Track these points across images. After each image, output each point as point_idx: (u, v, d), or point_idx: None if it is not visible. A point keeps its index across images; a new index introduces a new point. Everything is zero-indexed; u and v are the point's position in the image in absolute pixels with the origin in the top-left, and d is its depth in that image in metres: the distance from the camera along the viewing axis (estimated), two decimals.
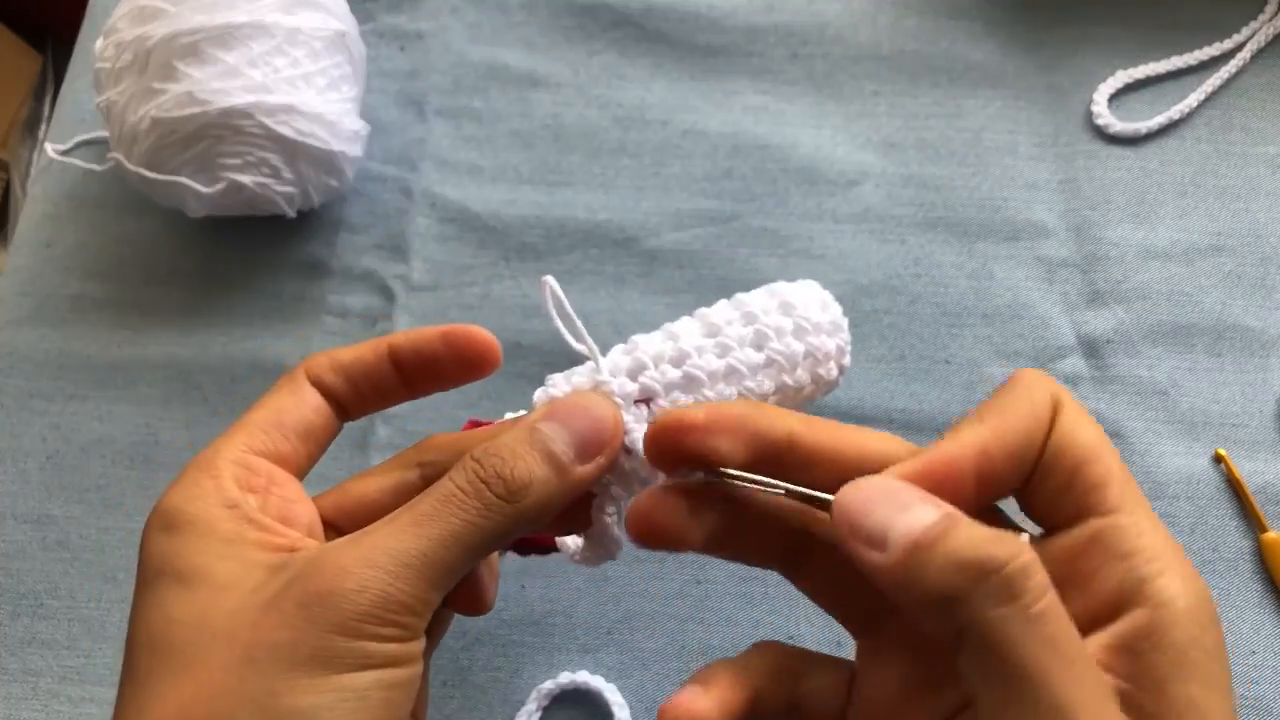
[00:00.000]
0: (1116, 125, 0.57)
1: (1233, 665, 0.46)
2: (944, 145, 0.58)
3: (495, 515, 0.25)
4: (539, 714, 0.46)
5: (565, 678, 0.46)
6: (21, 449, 0.52)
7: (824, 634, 0.47)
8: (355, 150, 0.53)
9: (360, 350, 0.32)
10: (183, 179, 0.49)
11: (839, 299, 0.53)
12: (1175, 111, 0.57)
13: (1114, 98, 0.58)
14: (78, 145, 0.59)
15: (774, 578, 0.49)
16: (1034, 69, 0.59)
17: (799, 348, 0.31)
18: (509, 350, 0.53)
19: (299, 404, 0.31)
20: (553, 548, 0.42)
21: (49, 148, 0.57)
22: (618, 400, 0.29)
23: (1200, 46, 0.59)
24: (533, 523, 0.26)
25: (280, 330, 0.54)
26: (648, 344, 0.31)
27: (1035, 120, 0.58)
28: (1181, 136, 0.58)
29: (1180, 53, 0.59)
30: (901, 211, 0.56)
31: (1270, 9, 0.59)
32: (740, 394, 0.30)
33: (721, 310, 0.32)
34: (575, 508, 0.29)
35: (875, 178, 0.57)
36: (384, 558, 0.24)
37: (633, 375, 0.30)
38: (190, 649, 0.24)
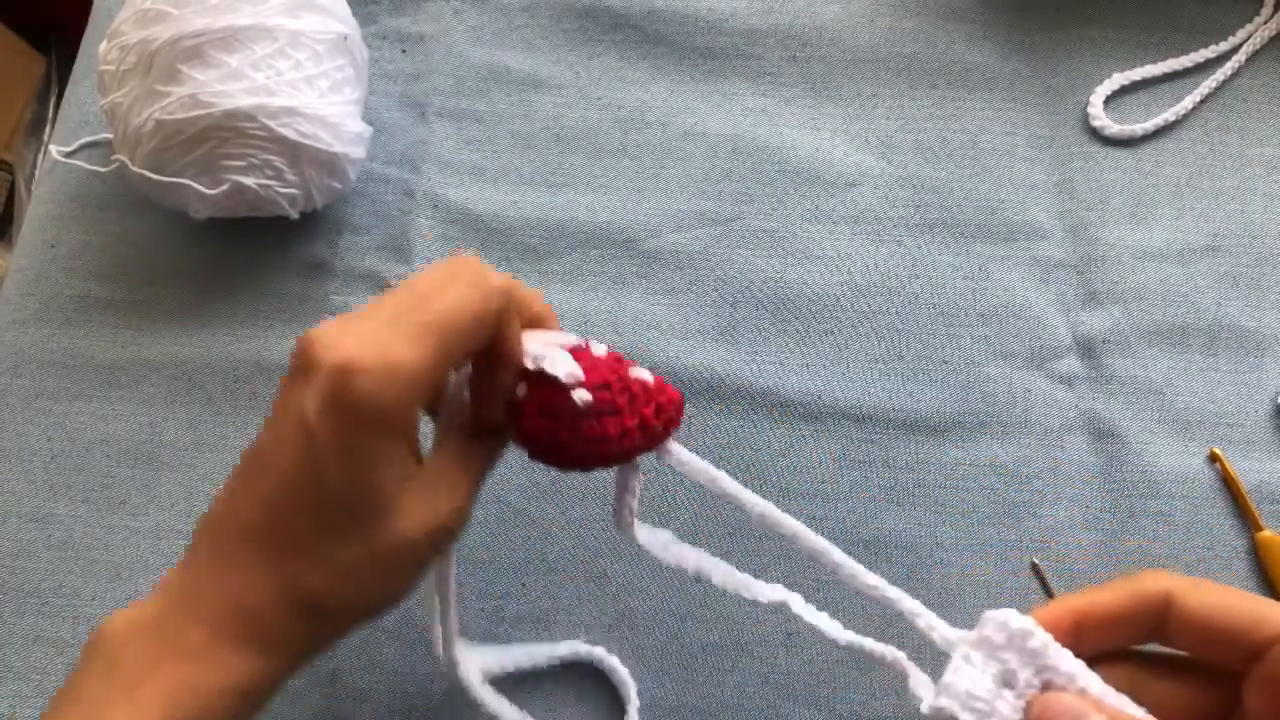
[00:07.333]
0: (1113, 127, 0.57)
1: None
2: (941, 147, 0.58)
3: (472, 292, 0.32)
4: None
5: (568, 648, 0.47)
6: (26, 448, 0.52)
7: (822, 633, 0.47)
8: (358, 152, 0.53)
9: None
10: (186, 181, 0.50)
11: (837, 300, 0.54)
12: (1171, 114, 0.58)
13: (1110, 100, 0.59)
14: (82, 147, 0.59)
15: (773, 576, 0.49)
16: (1031, 71, 0.60)
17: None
18: None
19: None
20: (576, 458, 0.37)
21: (53, 150, 0.57)
22: None
23: (1196, 49, 0.59)
24: (484, 315, 0.32)
25: (283, 330, 0.54)
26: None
27: (1032, 122, 0.58)
28: (1178, 138, 0.58)
29: (1176, 55, 0.59)
30: (899, 213, 0.56)
31: (1266, 11, 0.60)
32: None
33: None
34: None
35: (873, 179, 0.57)
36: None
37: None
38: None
